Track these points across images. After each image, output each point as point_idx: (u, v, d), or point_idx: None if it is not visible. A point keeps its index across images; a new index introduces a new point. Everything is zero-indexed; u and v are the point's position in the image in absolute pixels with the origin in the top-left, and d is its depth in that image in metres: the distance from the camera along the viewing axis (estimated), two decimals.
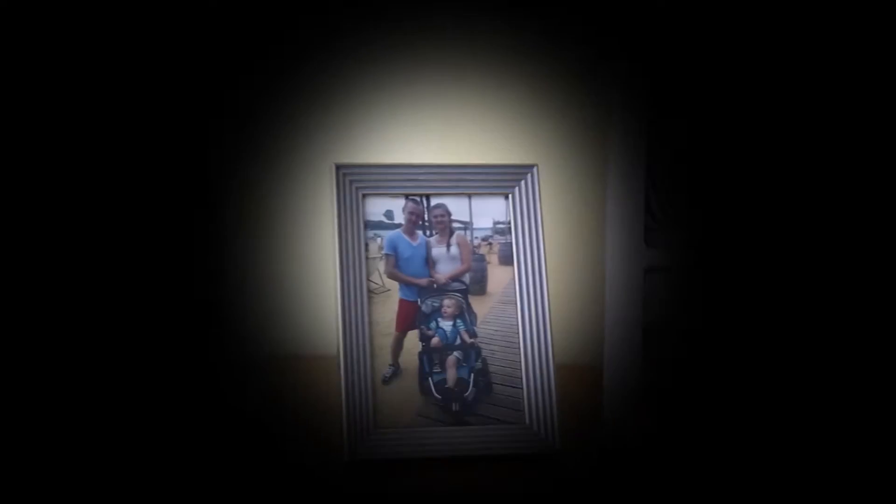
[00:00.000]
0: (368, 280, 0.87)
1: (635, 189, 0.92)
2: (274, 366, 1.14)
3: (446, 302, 0.88)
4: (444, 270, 0.89)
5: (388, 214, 0.89)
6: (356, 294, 0.86)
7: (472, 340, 0.88)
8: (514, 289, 0.89)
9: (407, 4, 1.20)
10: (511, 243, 0.90)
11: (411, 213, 0.89)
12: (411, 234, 0.89)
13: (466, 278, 0.89)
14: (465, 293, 0.89)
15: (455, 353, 0.88)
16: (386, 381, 0.86)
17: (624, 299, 0.91)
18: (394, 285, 0.88)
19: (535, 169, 0.91)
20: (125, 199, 1.10)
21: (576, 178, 1.17)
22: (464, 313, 0.88)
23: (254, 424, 0.94)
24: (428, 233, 0.89)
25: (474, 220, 0.90)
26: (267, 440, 0.90)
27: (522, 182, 0.90)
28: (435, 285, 0.88)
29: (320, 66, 1.20)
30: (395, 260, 0.88)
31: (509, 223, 0.90)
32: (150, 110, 1.12)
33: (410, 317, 0.87)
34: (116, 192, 1.10)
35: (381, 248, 0.88)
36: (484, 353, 0.88)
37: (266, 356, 1.17)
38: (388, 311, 0.87)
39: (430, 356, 0.87)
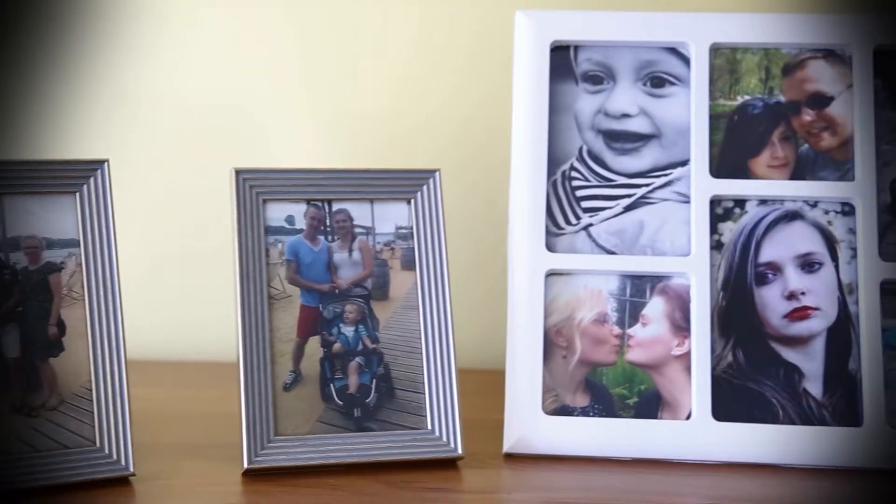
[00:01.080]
0: (269, 286, 0.85)
1: (537, 193, 0.92)
2: (172, 372, 1.12)
3: (348, 307, 0.87)
4: (346, 276, 0.88)
5: (290, 220, 0.87)
6: (256, 300, 0.84)
7: (374, 346, 0.87)
8: (417, 294, 0.88)
9: None
10: (413, 248, 0.89)
11: (313, 218, 0.88)
12: (313, 239, 0.87)
13: (368, 283, 0.88)
14: (367, 298, 0.88)
15: (357, 359, 0.87)
16: (287, 387, 0.85)
17: (526, 303, 0.91)
18: (295, 291, 0.86)
19: (437, 174, 0.90)
20: None
21: (478, 182, 1.17)
22: (366, 319, 0.87)
23: (155, 429, 0.92)
24: (330, 238, 0.88)
25: (376, 225, 0.89)
26: (164, 448, 0.88)
27: (424, 187, 0.90)
28: (337, 291, 0.87)
29: None
30: (296, 265, 0.87)
31: (411, 228, 0.89)
32: None
33: (312, 322, 0.86)
34: None
35: (281, 253, 0.86)
36: (386, 358, 0.87)
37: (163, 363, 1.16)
38: (289, 316, 0.86)
39: (332, 362, 0.86)
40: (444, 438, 0.85)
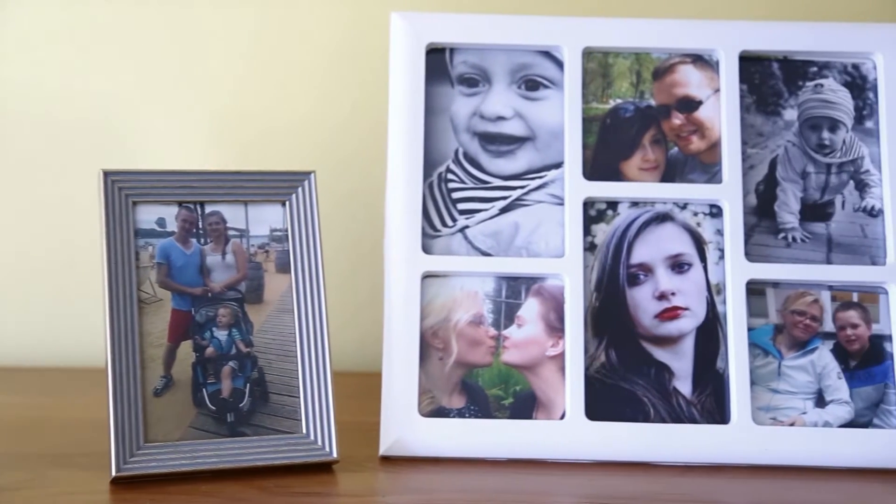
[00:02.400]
0: (139, 290, 0.83)
1: (413, 195, 0.92)
2: (39, 379, 1.09)
3: (221, 311, 0.85)
4: (219, 279, 0.86)
5: (161, 222, 0.85)
6: (125, 304, 0.82)
7: (248, 350, 0.85)
8: (292, 296, 0.86)
9: None
10: (288, 251, 0.87)
11: (184, 220, 0.85)
12: (185, 242, 0.85)
13: (242, 287, 0.86)
14: (240, 302, 0.86)
15: (230, 363, 0.84)
16: (157, 393, 0.82)
17: (402, 305, 0.90)
18: (166, 295, 0.84)
19: (312, 176, 0.88)
20: None
21: (355, 184, 1.16)
22: (239, 322, 0.85)
23: (19, 438, 0.89)
24: (202, 241, 0.86)
25: (251, 228, 0.87)
26: (29, 457, 0.85)
27: (300, 189, 0.88)
28: (210, 294, 0.85)
29: None
30: (167, 269, 0.84)
31: (286, 230, 0.88)
32: None
33: (184, 327, 0.84)
34: None
35: (152, 256, 0.84)
36: (260, 362, 0.85)
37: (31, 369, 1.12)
38: (159, 321, 0.83)
39: (205, 367, 0.84)
40: (319, 442, 0.84)
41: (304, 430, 0.84)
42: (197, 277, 0.85)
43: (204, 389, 0.83)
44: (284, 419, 0.84)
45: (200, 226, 0.86)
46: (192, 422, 0.82)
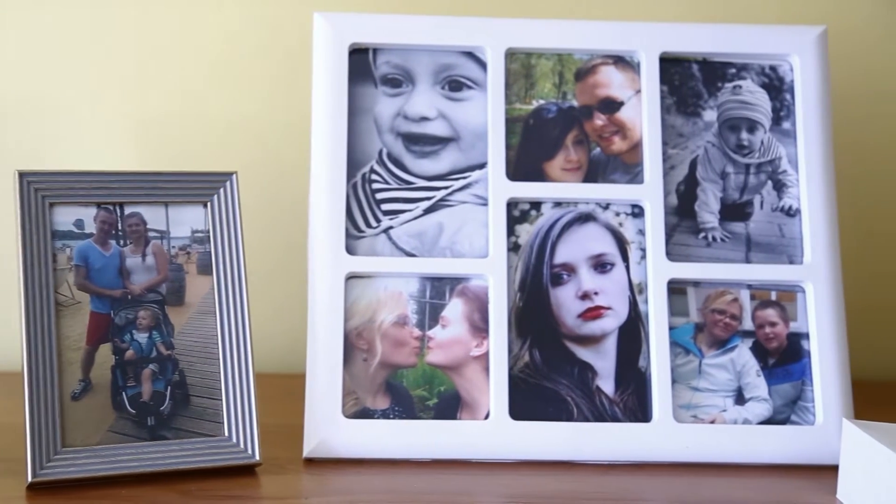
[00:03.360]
0: (56, 292, 0.81)
1: (337, 196, 0.91)
2: None
3: (141, 313, 0.84)
4: (139, 281, 0.84)
5: (79, 224, 0.83)
6: (42, 307, 0.80)
7: (168, 352, 0.83)
8: (214, 298, 0.85)
9: None
10: (210, 252, 0.86)
11: (103, 222, 0.83)
12: (103, 244, 0.83)
13: (163, 288, 0.85)
14: (161, 304, 0.84)
15: (151, 366, 0.83)
16: (76, 397, 0.80)
17: (326, 306, 0.89)
18: (85, 297, 0.82)
19: (233, 176, 0.87)
20: None
21: (279, 185, 1.15)
22: (160, 324, 0.84)
23: None
24: (122, 242, 0.84)
25: (171, 229, 0.86)
26: None
27: (221, 189, 0.87)
28: (129, 296, 0.83)
29: None
30: (85, 271, 0.82)
31: (208, 232, 0.86)
32: None
33: (103, 329, 0.82)
34: None
35: (70, 258, 0.82)
36: (181, 365, 0.84)
37: None
38: (78, 324, 0.81)
39: (124, 370, 0.82)
40: (242, 445, 0.82)
41: (227, 433, 0.83)
42: (116, 280, 0.83)
43: (123, 393, 0.82)
44: (206, 422, 0.83)
45: (120, 227, 0.84)
46: (111, 426, 0.81)
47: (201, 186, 0.86)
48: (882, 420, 0.81)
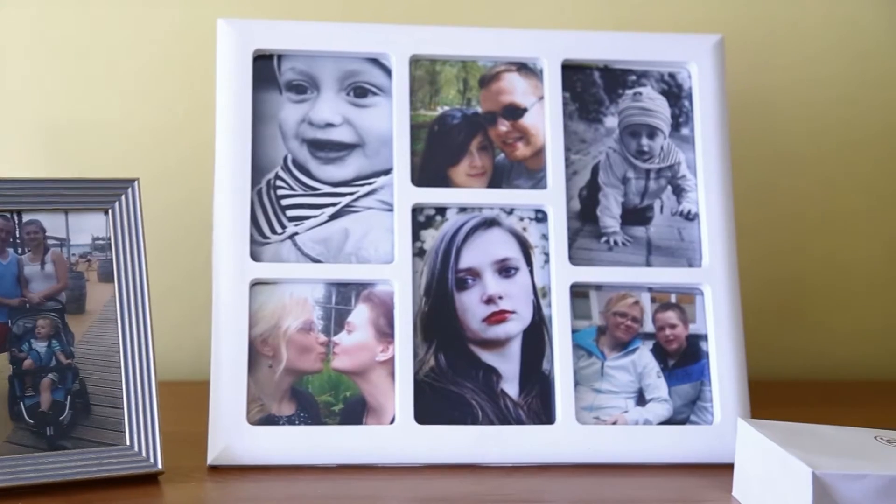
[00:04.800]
0: None
1: (242, 202, 0.90)
2: None
3: (40, 322, 0.82)
4: (38, 289, 0.82)
5: None
6: None
7: (68, 361, 0.82)
8: (115, 307, 0.84)
9: None
10: (111, 259, 0.85)
11: (0, 230, 0.82)
12: (0, 252, 0.82)
13: (63, 297, 0.83)
14: (61, 312, 0.83)
15: (50, 375, 0.81)
16: None
17: (231, 313, 0.88)
18: None
19: (135, 183, 0.86)
20: None
21: (183, 191, 1.14)
22: (60, 333, 0.82)
23: None
24: (20, 250, 0.82)
25: (71, 237, 0.84)
26: None
27: (123, 196, 0.85)
28: (27, 305, 0.82)
29: None
30: None
31: (109, 239, 0.85)
32: None
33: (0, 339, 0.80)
34: None
35: None
36: (82, 374, 0.82)
37: None
38: None
39: (22, 379, 0.80)
40: (144, 454, 0.81)
41: (128, 442, 0.81)
42: (14, 288, 0.82)
43: (21, 403, 0.80)
44: (107, 431, 0.82)
45: (18, 235, 0.82)
46: (9, 436, 0.79)
47: (102, 193, 0.85)
48: (778, 418, 0.82)
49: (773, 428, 0.77)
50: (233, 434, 0.85)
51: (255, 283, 0.89)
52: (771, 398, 0.99)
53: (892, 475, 0.68)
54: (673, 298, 0.93)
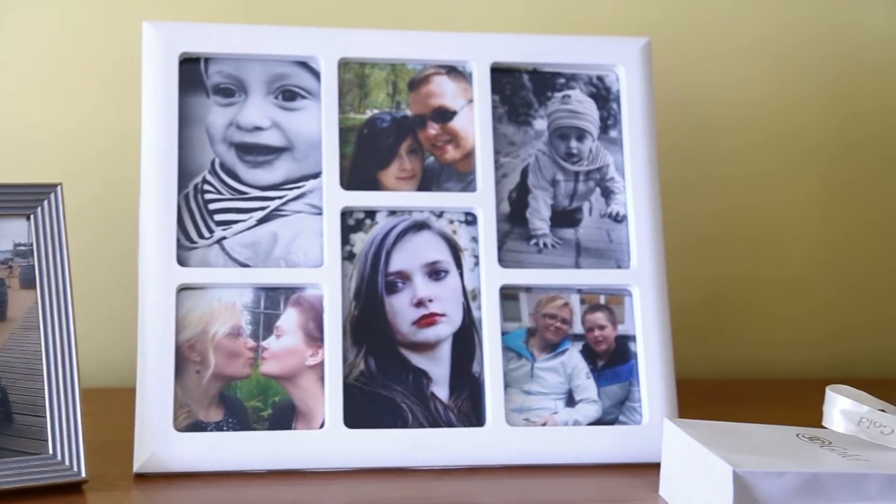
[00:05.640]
0: None
1: (168, 207, 0.89)
2: None
3: None
4: None
5: None
6: None
7: None
8: (38, 313, 0.82)
9: None
10: (33, 266, 0.83)
11: None
12: None
13: None
14: None
15: None
16: None
17: (157, 319, 0.87)
18: None
19: (58, 188, 0.85)
20: None
21: (109, 196, 1.12)
22: None
23: None
24: None
25: None
26: None
27: (45, 201, 0.84)
28: None
29: None
30: None
31: (31, 245, 0.83)
32: None
33: None
34: None
35: None
36: (3, 382, 0.80)
37: None
38: None
39: None
40: (67, 462, 0.80)
41: (51, 451, 0.80)
42: None
43: None
44: (30, 440, 0.80)
45: None
46: None
47: (24, 198, 0.84)
48: (705, 417, 0.83)
49: (698, 427, 0.77)
50: (159, 441, 0.84)
51: (183, 289, 0.88)
52: (699, 397, 1.00)
53: (811, 472, 0.69)
54: (602, 300, 0.93)
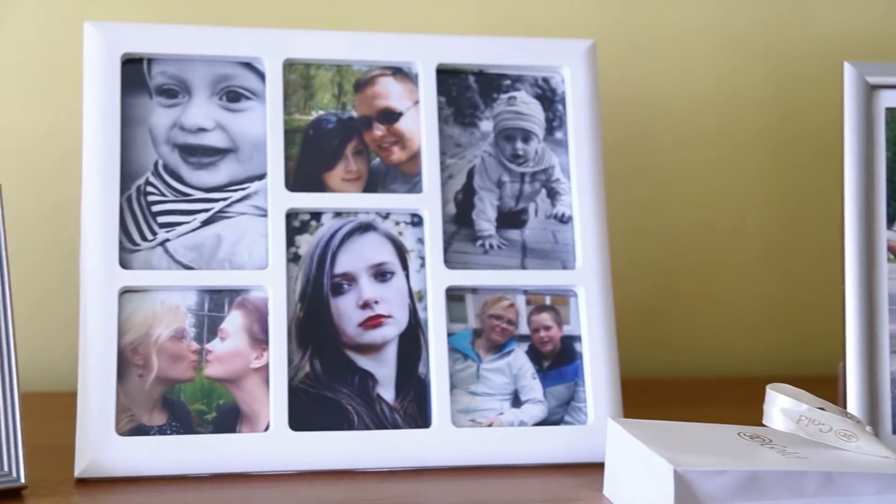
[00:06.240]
0: None
1: (110, 209, 0.88)
2: None
3: None
4: None
5: None
6: None
7: None
8: None
9: None
10: None
11: None
12: None
13: None
14: None
15: None
16: None
17: (99, 322, 0.86)
18: None
19: None
20: None
21: (48, 198, 1.11)
22: None
23: None
24: None
25: None
26: None
27: None
28: None
29: None
30: None
31: None
32: None
33: None
34: None
35: None
36: None
37: None
38: None
39: None
40: (6, 468, 0.79)
41: None
42: None
43: None
44: None
45: None
46: None
47: None
48: (650, 417, 0.83)
49: (641, 427, 0.78)
50: (101, 445, 0.83)
51: (125, 291, 0.87)
52: (645, 397, 1.01)
53: (750, 470, 0.70)
54: (547, 300, 0.94)
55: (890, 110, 0.92)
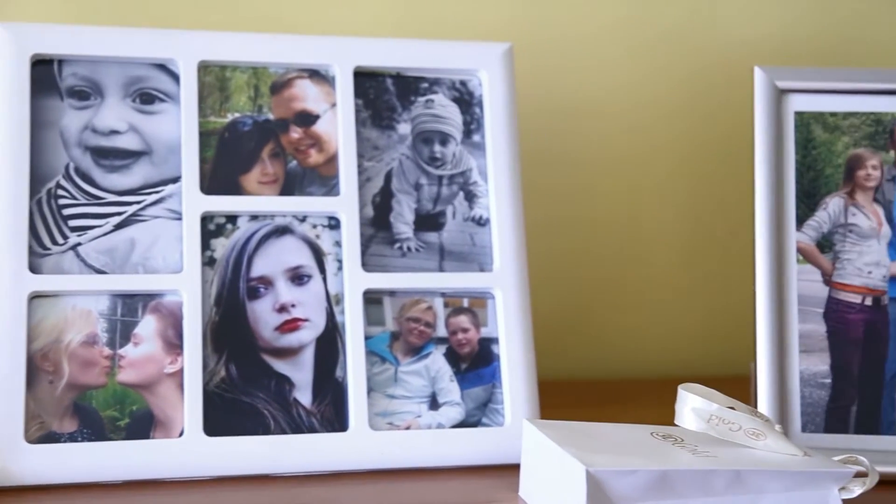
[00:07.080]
0: None
1: (19, 212, 0.86)
2: None
3: None
4: None
5: None
6: None
7: None
8: None
9: None
10: None
11: None
12: None
13: None
14: None
15: None
16: None
17: (7, 328, 0.84)
18: None
19: None
20: None
21: None
22: None
23: None
24: None
25: None
26: None
27: None
28: None
29: None
30: None
31: None
32: None
33: None
34: None
35: None
36: None
37: None
38: None
39: None
40: None
41: None
42: None
43: None
44: None
45: None
46: None
47: None
48: (566, 418, 0.83)
49: (555, 428, 0.78)
50: (9, 454, 0.81)
51: (35, 296, 0.86)
52: (562, 398, 1.01)
53: (661, 469, 0.70)
54: (465, 303, 0.94)
55: (799, 114, 0.94)
